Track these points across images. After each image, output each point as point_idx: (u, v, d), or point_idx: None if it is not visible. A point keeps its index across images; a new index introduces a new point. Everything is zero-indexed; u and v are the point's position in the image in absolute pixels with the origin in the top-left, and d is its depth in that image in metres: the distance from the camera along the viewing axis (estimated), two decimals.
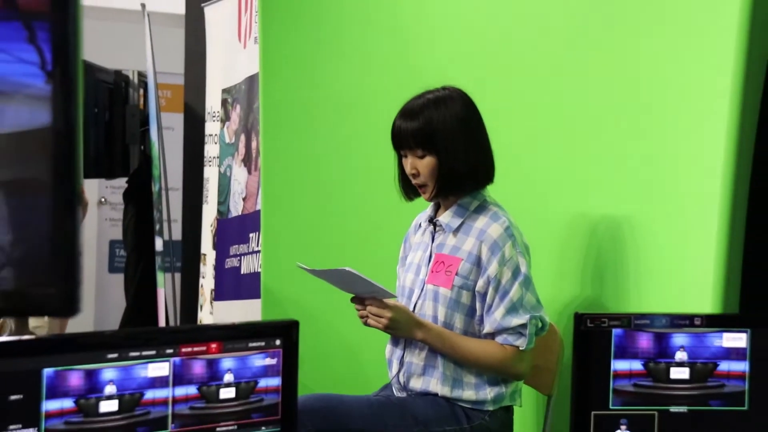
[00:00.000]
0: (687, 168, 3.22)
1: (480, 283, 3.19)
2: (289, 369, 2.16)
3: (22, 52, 1.43)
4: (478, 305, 3.22)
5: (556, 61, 3.84)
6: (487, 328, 3.19)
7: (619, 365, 2.38)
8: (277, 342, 2.13)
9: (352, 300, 3.24)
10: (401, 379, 3.37)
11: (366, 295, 3.20)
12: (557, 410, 3.50)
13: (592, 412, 2.37)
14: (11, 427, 1.91)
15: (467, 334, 3.26)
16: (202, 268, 6.78)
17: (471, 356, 3.22)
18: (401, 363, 3.35)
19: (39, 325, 5.37)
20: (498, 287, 3.16)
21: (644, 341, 2.38)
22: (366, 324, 3.27)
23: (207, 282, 6.62)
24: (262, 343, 2.12)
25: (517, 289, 3.15)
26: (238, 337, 2.12)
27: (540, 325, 3.19)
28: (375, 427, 3.23)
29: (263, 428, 2.15)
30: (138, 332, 1.95)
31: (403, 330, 3.21)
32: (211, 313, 6.49)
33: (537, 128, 3.74)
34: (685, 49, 3.31)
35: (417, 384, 3.31)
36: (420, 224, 3.46)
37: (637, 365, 2.38)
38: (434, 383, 3.26)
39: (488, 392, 3.25)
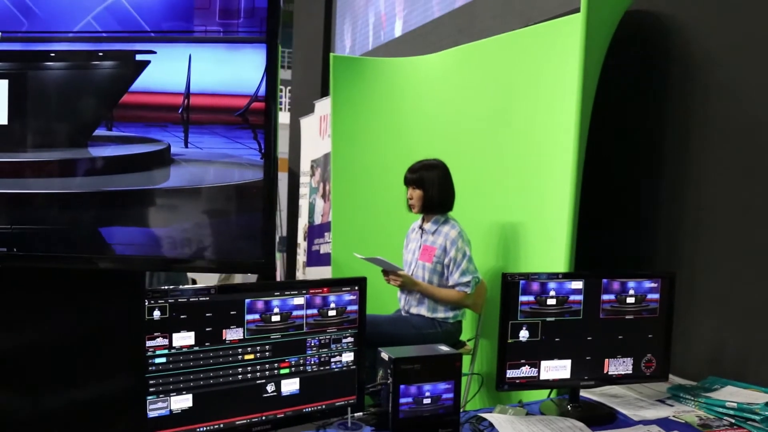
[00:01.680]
0: (549, 190, 3.17)
1: (446, 260, 3.30)
2: (361, 301, 2.20)
3: (250, 143, 1.53)
4: (445, 271, 3.32)
5: (480, 136, 3.77)
6: (450, 282, 3.30)
7: (522, 298, 2.40)
8: (356, 287, 2.17)
9: (382, 271, 3.33)
10: (405, 307, 3.45)
11: (388, 269, 3.29)
12: (484, 322, 3.56)
13: (510, 321, 2.40)
14: (231, 327, 1.96)
15: (440, 286, 3.34)
16: (298, 251, 6.94)
17: (442, 297, 3.33)
18: (405, 300, 3.43)
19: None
20: (456, 262, 3.28)
21: (535, 286, 2.40)
22: (388, 282, 3.35)
23: (301, 258, 6.75)
24: (349, 288, 2.16)
25: (465, 263, 3.27)
26: (338, 284, 2.14)
27: (477, 280, 3.32)
28: (393, 329, 3.30)
29: (349, 331, 2.19)
30: (288, 282, 2.01)
31: (407, 285, 3.32)
32: (303, 274, 6.50)
33: (470, 175, 3.68)
34: (543, 124, 3.24)
35: (414, 310, 3.40)
36: (414, 229, 3.56)
37: (531, 298, 2.40)
38: (423, 309, 3.37)
39: (450, 313, 3.37)
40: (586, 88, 2.79)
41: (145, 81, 1.51)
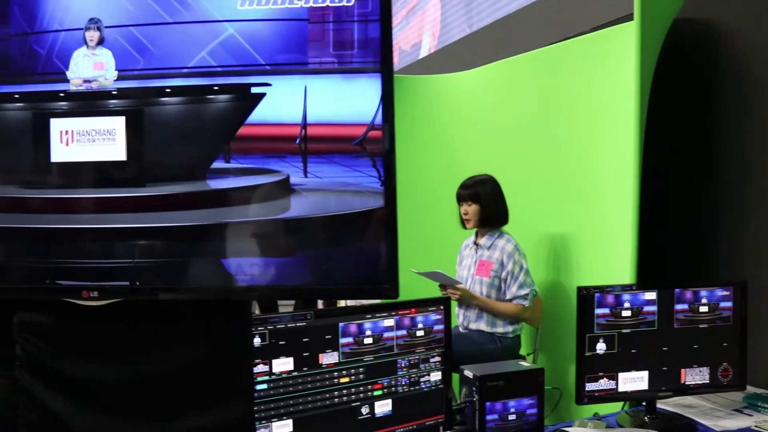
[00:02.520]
0: (607, 200, 3.14)
1: (503, 274, 3.32)
2: (447, 320, 2.21)
3: (369, 171, 1.54)
4: (502, 285, 3.33)
5: (527, 150, 3.76)
6: (508, 296, 3.32)
7: (598, 311, 2.42)
8: (441, 307, 2.18)
9: (440, 286, 3.34)
10: (464, 323, 3.46)
11: (447, 282, 3.30)
12: (541, 335, 3.56)
13: (586, 335, 2.42)
14: (327, 351, 1.97)
15: (497, 300, 3.35)
16: None
17: (500, 311, 3.34)
18: (464, 315, 3.44)
19: None
20: (513, 275, 3.29)
21: (609, 298, 2.42)
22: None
23: None
24: (435, 308, 2.17)
25: (522, 276, 3.29)
26: (424, 304, 2.15)
27: (534, 293, 3.33)
28: (453, 346, 3.26)
29: (436, 350, 2.20)
30: (377, 305, 2.02)
31: (465, 299, 3.33)
32: None
33: (517, 189, 3.65)
34: (598, 133, 3.20)
35: (473, 325, 3.41)
36: (468, 245, 3.56)
37: (606, 310, 2.42)
38: (482, 324, 3.39)
39: (509, 327, 3.37)
40: (642, 96, 2.80)
41: (261, 113, 1.53)
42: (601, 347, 2.42)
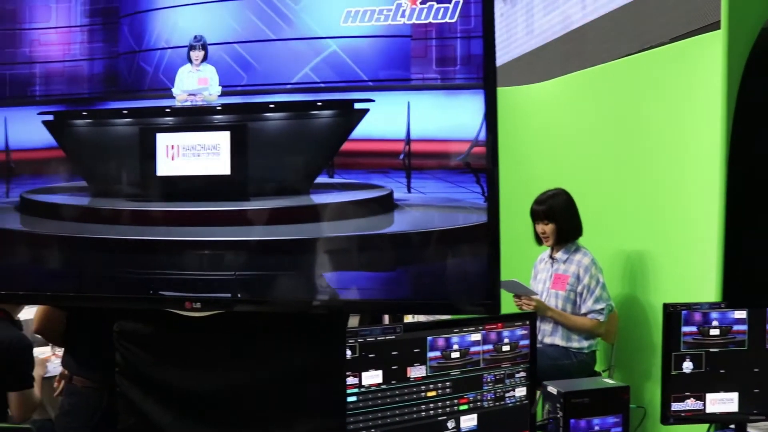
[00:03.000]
0: (690, 215, 3.04)
1: (579, 288, 3.27)
2: (532, 335, 2.18)
3: (473, 187, 1.55)
4: (578, 299, 3.28)
5: (603, 163, 3.70)
6: (583, 310, 3.26)
7: (685, 329, 2.35)
8: (527, 322, 2.15)
9: (514, 296, 3.31)
10: (538, 337, 3.39)
11: (522, 292, 3.27)
12: (617, 352, 3.49)
13: (672, 353, 2.36)
14: (415, 364, 1.96)
15: (572, 314, 3.31)
16: None
17: (575, 325, 3.29)
18: (538, 328, 3.39)
19: None
20: (589, 289, 3.25)
21: (697, 316, 2.35)
22: (520, 307, 3.31)
23: None
24: (521, 323, 2.14)
25: (599, 290, 3.23)
26: (510, 319, 2.12)
27: (610, 308, 3.27)
28: None
29: (522, 365, 2.17)
30: (463, 320, 2.00)
31: (541, 311, 3.29)
32: None
33: (592, 203, 3.57)
34: (682, 147, 3.13)
35: (547, 339, 3.37)
36: (543, 259, 3.53)
37: (693, 328, 2.35)
38: (557, 339, 3.33)
39: (584, 343, 3.32)
40: (729, 107, 2.73)
41: (364, 128, 1.54)
42: (687, 366, 2.36)
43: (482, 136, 1.49)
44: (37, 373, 3.33)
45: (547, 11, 4.56)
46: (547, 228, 3.33)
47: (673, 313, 2.36)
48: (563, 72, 3.94)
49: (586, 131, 3.78)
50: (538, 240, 3.42)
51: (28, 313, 4.13)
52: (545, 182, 3.49)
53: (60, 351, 3.76)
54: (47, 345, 3.89)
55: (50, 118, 1.71)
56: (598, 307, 3.24)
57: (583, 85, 3.83)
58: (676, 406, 2.38)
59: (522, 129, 4.16)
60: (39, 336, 3.17)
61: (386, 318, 4.60)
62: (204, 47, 1.58)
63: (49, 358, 3.79)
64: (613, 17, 3.88)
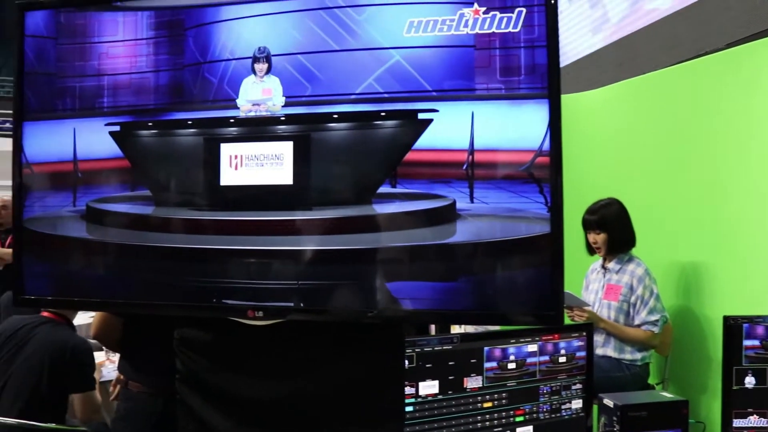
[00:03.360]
0: (747, 222, 3.01)
1: (632, 299, 3.23)
2: (589, 347, 2.16)
3: (536, 197, 1.55)
4: (631, 310, 3.24)
5: (656, 173, 3.65)
6: (637, 321, 3.22)
7: (747, 342, 2.31)
8: (584, 333, 2.14)
9: (565, 307, 3.28)
10: None
11: (574, 304, 3.24)
12: (671, 364, 3.44)
13: (734, 367, 2.31)
14: (472, 375, 1.96)
15: (625, 325, 3.27)
16: None
17: (628, 336, 3.25)
18: None
19: None
20: (643, 300, 3.21)
21: (759, 329, 2.31)
22: (572, 319, 3.28)
23: None
24: (578, 334, 2.12)
25: (653, 301, 3.19)
26: (567, 330, 2.11)
27: (665, 320, 3.23)
28: None
29: (578, 377, 2.15)
30: (519, 330, 1.98)
31: (593, 321, 3.24)
32: None
33: (645, 213, 3.52)
34: (742, 155, 3.06)
35: (599, 351, 3.32)
36: (595, 269, 3.49)
37: (756, 342, 2.30)
38: (609, 350, 3.30)
39: (637, 355, 3.27)
40: None
41: (428, 139, 1.55)
42: (750, 381, 2.31)
43: (546, 145, 1.48)
44: None
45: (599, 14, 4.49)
46: (599, 238, 3.29)
47: (734, 326, 2.32)
48: (616, 79, 3.89)
49: (639, 140, 3.73)
50: (590, 250, 3.39)
51: (81, 319, 4.23)
52: (598, 191, 3.46)
53: (114, 356, 3.84)
54: (101, 350, 3.97)
55: (117, 128, 1.75)
56: (653, 318, 3.19)
57: (637, 93, 3.79)
58: (738, 423, 2.33)
59: (575, 137, 4.09)
60: (94, 341, 3.24)
61: (432, 327, 4.58)
62: (268, 59, 1.61)
63: (103, 363, 3.87)
64: (667, 23, 3.83)
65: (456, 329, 3.60)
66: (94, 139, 1.80)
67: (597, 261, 3.46)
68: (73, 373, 3.08)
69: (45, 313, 3.25)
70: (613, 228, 3.27)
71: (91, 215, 1.80)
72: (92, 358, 3.24)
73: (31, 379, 3.01)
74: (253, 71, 1.68)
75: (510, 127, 1.52)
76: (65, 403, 3.16)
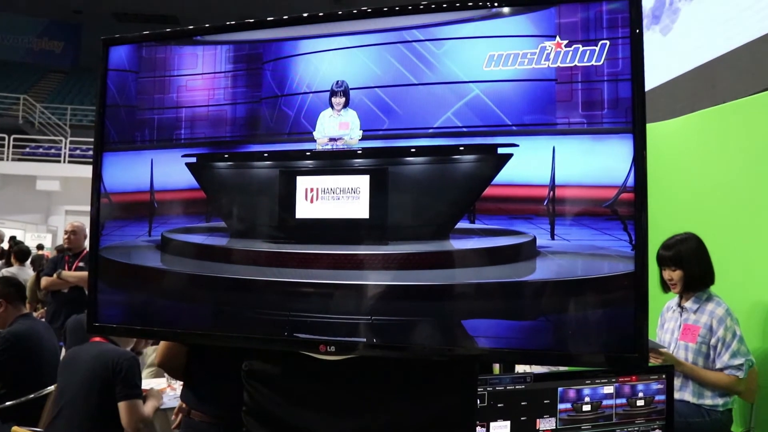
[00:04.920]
0: None
1: (712, 340, 3.15)
2: (669, 390, 2.11)
3: (620, 234, 1.53)
4: (711, 353, 3.16)
5: (737, 205, 3.60)
6: (718, 365, 3.14)
7: None
8: (663, 376, 2.10)
9: None
10: None
11: (650, 347, 3.17)
12: (758, 411, 3.33)
13: None
14: (545, 416, 1.94)
15: (705, 368, 3.19)
16: None
17: (709, 381, 3.17)
18: None
19: None
20: (724, 342, 3.12)
21: None
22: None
23: None
24: (657, 376, 2.09)
25: (736, 343, 3.11)
26: (645, 372, 2.07)
27: (750, 364, 3.13)
28: None
29: (657, 422, 2.12)
30: (595, 371, 1.95)
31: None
32: None
33: (727, 248, 3.52)
34: None
35: (676, 395, 3.24)
36: (671, 307, 3.43)
37: None
38: (687, 395, 3.22)
39: (719, 400, 3.19)
40: None
41: (507, 173, 1.56)
42: None
43: (630, 181, 1.48)
44: (152, 404, 3.51)
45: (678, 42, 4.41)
46: (675, 275, 3.23)
47: None
48: (695, 109, 3.83)
49: (719, 171, 3.65)
50: (665, 287, 3.33)
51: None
52: (674, 227, 3.40)
53: (176, 383, 3.93)
54: (163, 376, 4.07)
55: (193, 160, 1.80)
56: (737, 362, 3.10)
57: (715, 123, 3.72)
58: None
59: (650, 169, 4.05)
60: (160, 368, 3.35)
61: (496, 366, 4.52)
62: (345, 92, 1.65)
63: (164, 390, 3.97)
64: (748, 49, 3.76)
65: (519, 369, 3.56)
66: (170, 170, 1.86)
67: (673, 299, 3.40)
68: (117, 381, 3.25)
69: (94, 339, 3.46)
70: (690, 264, 3.21)
71: (165, 245, 1.86)
72: (136, 367, 3.40)
73: (82, 395, 3.20)
74: (331, 105, 1.72)
75: (593, 162, 1.52)
76: (114, 415, 3.33)
